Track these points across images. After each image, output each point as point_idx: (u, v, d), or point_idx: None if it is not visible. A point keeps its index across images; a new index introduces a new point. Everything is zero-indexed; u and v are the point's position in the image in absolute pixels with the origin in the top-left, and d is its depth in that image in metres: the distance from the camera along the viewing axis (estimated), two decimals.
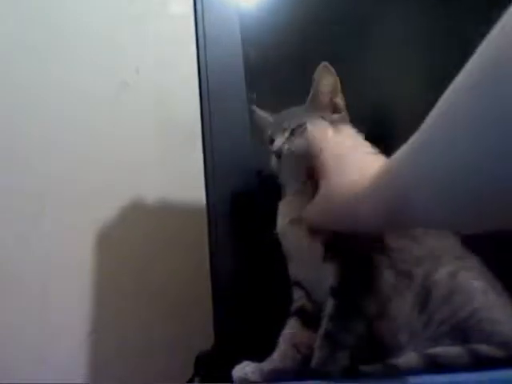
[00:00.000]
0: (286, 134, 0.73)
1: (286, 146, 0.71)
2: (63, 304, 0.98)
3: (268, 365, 0.64)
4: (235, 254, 0.80)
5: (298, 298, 0.72)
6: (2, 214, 0.99)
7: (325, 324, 0.63)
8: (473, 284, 0.66)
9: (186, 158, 1.07)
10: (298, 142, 0.71)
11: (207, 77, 0.87)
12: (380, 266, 0.66)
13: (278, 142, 0.72)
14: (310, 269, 0.70)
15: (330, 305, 0.64)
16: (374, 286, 0.65)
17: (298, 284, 0.73)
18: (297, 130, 0.72)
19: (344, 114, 0.75)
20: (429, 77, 1.00)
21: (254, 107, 0.82)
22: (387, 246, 0.67)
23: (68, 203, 1.03)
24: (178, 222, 1.07)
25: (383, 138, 0.90)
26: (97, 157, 1.07)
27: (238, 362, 0.66)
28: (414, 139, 0.49)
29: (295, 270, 0.73)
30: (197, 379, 0.78)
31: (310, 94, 0.74)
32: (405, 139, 0.53)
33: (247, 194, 0.82)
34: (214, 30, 0.89)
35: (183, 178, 1.07)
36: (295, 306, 0.72)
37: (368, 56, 0.98)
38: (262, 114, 0.81)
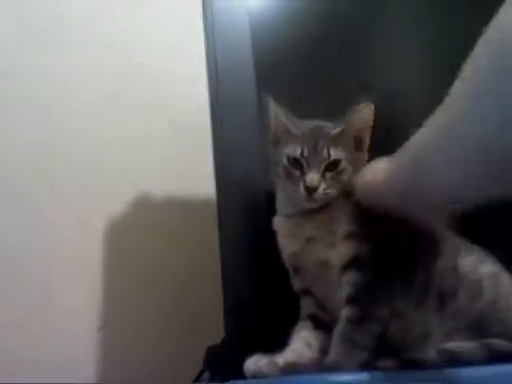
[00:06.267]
0: (322, 168, 0.68)
1: (323, 187, 0.68)
2: (69, 299, 0.98)
3: (282, 358, 0.64)
4: (246, 248, 0.80)
5: (308, 305, 0.73)
6: (7, 206, 0.98)
7: (342, 326, 0.64)
8: (483, 271, 0.68)
9: (196, 152, 1.06)
10: (334, 188, 0.69)
11: (216, 69, 0.86)
12: (392, 272, 0.67)
13: (314, 178, 0.67)
14: (325, 281, 0.71)
15: (346, 311, 0.65)
16: (388, 292, 0.66)
17: (308, 292, 0.73)
18: (333, 169, 0.69)
19: (365, 154, 0.74)
20: (434, 69, 1.00)
21: (270, 99, 0.75)
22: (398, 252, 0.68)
23: (75, 197, 1.02)
24: (188, 215, 1.06)
25: (388, 129, 0.90)
26: (105, 150, 1.06)
27: (248, 355, 0.66)
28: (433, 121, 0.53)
29: (305, 281, 0.73)
30: (207, 373, 0.78)
31: (344, 122, 0.71)
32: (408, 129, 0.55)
33: (258, 187, 0.82)
34: (222, 22, 0.89)
35: (193, 172, 1.06)
36: (305, 312, 0.73)
37: (377, 46, 0.98)
38: (277, 109, 0.74)
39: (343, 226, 0.69)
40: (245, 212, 0.81)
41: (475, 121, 0.45)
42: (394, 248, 0.68)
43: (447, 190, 0.53)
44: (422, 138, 0.55)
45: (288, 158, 0.70)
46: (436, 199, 0.56)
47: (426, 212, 0.63)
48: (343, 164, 0.69)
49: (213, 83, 0.85)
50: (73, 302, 0.98)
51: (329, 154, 0.69)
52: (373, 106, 0.71)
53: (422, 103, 0.98)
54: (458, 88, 0.48)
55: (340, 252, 0.68)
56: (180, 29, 1.13)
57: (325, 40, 0.94)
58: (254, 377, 0.63)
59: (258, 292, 0.78)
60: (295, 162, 0.70)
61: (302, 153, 0.69)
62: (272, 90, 0.77)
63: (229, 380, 0.70)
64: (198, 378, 0.79)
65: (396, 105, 0.99)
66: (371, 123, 0.72)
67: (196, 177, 1.04)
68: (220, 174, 0.82)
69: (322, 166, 0.68)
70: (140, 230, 1.05)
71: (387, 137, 0.89)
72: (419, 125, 0.94)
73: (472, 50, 0.46)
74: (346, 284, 0.66)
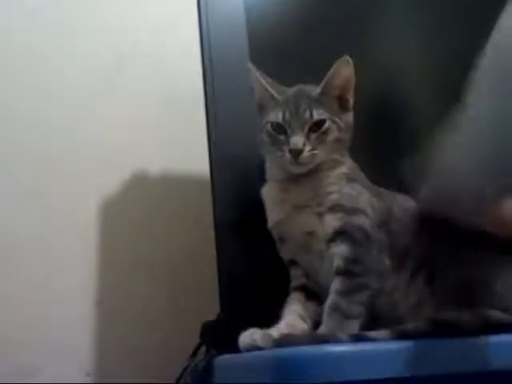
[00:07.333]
0: (305, 130, 0.69)
1: (308, 148, 0.68)
2: (65, 280, 0.98)
3: (276, 331, 0.65)
4: (240, 224, 0.80)
5: (297, 275, 0.74)
6: (4, 186, 0.98)
7: (332, 298, 0.65)
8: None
9: (189, 128, 1.05)
10: (320, 149, 0.69)
11: (210, 45, 0.85)
12: (379, 247, 0.68)
13: (298, 140, 0.68)
14: (311, 251, 0.71)
15: (336, 282, 0.65)
16: (376, 264, 0.67)
17: (295, 263, 0.74)
18: (317, 130, 0.69)
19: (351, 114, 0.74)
20: (428, 41, 0.98)
21: (251, 65, 0.75)
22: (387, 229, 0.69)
23: (73, 177, 1.02)
24: (182, 194, 1.06)
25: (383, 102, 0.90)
26: (99, 129, 1.05)
27: (243, 330, 0.66)
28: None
29: (291, 251, 0.74)
30: (203, 348, 0.79)
31: (324, 82, 0.71)
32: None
33: (252, 164, 0.81)
34: None
35: (186, 149, 1.06)
36: (295, 283, 0.74)
37: (372, 20, 0.97)
38: (260, 77, 0.74)
39: (331, 196, 0.69)
40: (239, 187, 0.81)
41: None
42: (382, 223, 0.69)
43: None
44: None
45: (271, 124, 0.71)
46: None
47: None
48: (328, 124, 0.70)
49: (206, 58, 0.85)
50: (69, 284, 0.98)
51: (311, 115, 0.69)
52: (350, 60, 0.70)
53: (418, 77, 0.97)
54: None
55: (327, 223, 0.68)
56: (173, 4, 1.11)
57: (319, 15, 0.93)
58: (249, 350, 0.63)
59: (253, 267, 0.78)
60: (279, 128, 0.70)
61: (283, 117, 0.70)
62: (265, 65, 0.77)
63: (224, 353, 0.71)
64: (194, 353, 0.80)
65: (392, 79, 0.98)
66: (353, 79, 0.72)
67: (191, 152, 1.03)
68: (214, 150, 0.82)
69: (306, 128, 0.69)
70: (134, 206, 1.05)
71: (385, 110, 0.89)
72: (416, 97, 0.93)
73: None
74: (335, 256, 0.67)
